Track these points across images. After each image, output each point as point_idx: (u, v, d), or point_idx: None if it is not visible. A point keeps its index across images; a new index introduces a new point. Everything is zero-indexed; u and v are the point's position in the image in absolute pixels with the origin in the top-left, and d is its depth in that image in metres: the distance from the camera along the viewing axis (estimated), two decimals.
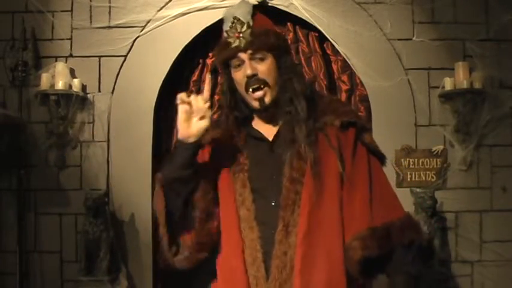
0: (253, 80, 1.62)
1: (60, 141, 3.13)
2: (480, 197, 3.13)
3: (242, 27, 1.63)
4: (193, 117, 1.58)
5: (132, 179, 3.14)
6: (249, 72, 1.62)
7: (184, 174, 1.60)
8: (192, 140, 1.58)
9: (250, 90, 1.63)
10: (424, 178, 3.13)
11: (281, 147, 1.65)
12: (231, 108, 1.72)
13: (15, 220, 3.08)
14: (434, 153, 3.14)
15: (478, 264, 3.11)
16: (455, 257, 3.10)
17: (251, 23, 1.65)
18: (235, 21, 1.64)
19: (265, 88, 1.63)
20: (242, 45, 1.62)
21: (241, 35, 1.63)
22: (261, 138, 1.69)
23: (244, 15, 1.65)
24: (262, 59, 1.64)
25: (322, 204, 1.59)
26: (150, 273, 3.13)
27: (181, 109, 1.58)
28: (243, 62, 1.64)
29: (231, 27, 1.65)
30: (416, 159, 3.13)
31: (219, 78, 3.28)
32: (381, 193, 1.65)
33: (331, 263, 1.58)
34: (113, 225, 3.06)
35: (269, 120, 1.71)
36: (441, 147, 3.15)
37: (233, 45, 1.63)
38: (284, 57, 1.69)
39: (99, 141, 3.16)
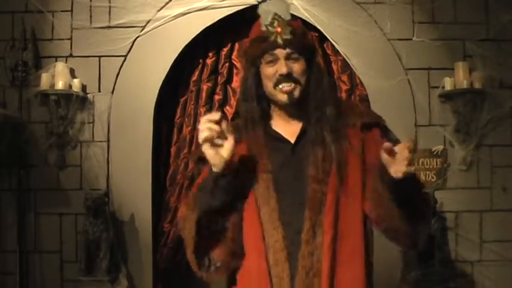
0: (285, 78, 1.62)
1: (60, 141, 3.13)
2: (480, 197, 3.13)
3: (283, 24, 1.64)
4: (218, 146, 1.50)
5: (132, 179, 3.14)
6: (284, 70, 1.62)
7: (227, 199, 1.56)
8: (226, 171, 1.51)
9: (280, 86, 1.63)
10: (424, 178, 3.13)
11: (304, 149, 1.65)
12: (255, 101, 1.69)
13: (15, 220, 3.08)
14: (434, 153, 3.14)
15: (478, 264, 3.11)
16: (455, 257, 3.11)
17: (290, 22, 1.66)
18: (276, 17, 1.64)
19: (295, 84, 1.64)
20: (282, 42, 1.62)
21: (283, 31, 1.63)
22: (282, 139, 1.68)
23: (284, 13, 1.66)
24: (296, 60, 1.64)
25: (346, 204, 1.60)
26: (150, 273, 3.13)
27: (206, 148, 1.49)
28: (276, 59, 1.64)
29: (271, 23, 1.64)
30: (416, 159, 3.13)
31: (219, 78, 3.30)
32: None
33: (355, 262, 1.59)
34: (113, 225, 3.06)
35: (292, 116, 1.69)
36: (441, 147, 3.15)
37: (272, 39, 1.63)
38: (314, 60, 1.72)
39: (99, 141, 3.16)
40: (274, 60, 1.64)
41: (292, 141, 1.67)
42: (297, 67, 1.64)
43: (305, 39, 1.70)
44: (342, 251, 1.58)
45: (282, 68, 1.62)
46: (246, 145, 1.67)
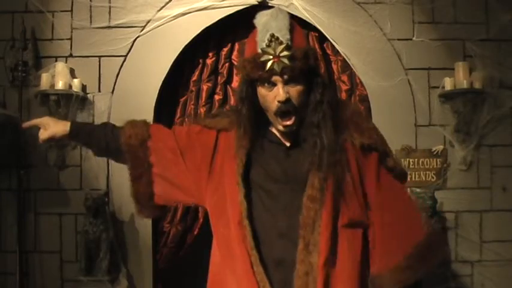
0: (284, 105, 1.55)
1: (60, 141, 3.13)
2: (480, 197, 3.13)
3: (281, 48, 1.52)
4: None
5: None
6: (282, 97, 1.53)
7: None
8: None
9: (279, 119, 1.57)
10: (424, 178, 3.13)
11: (299, 153, 1.62)
12: (250, 103, 1.63)
13: (15, 220, 3.08)
14: (434, 153, 3.14)
15: (478, 264, 3.11)
16: (455, 257, 3.11)
17: (290, 44, 1.53)
18: (273, 39, 1.52)
19: (294, 116, 1.57)
20: (279, 69, 1.52)
21: (280, 58, 1.51)
22: (278, 142, 1.65)
23: (283, 31, 1.53)
24: (296, 83, 1.56)
25: (342, 224, 1.58)
26: (150, 273, 3.13)
27: None
28: (274, 84, 1.56)
29: (267, 46, 1.52)
30: (416, 159, 3.13)
31: (219, 78, 3.30)
32: (408, 215, 1.65)
33: (350, 283, 1.57)
34: (113, 225, 3.06)
35: (289, 136, 1.65)
36: (441, 147, 3.14)
37: (268, 67, 1.52)
38: (316, 79, 1.61)
39: None
40: (271, 86, 1.56)
41: (288, 144, 1.65)
42: (295, 92, 1.56)
43: (307, 61, 1.57)
44: (338, 272, 1.55)
45: (280, 95, 1.54)
46: (231, 136, 1.67)
